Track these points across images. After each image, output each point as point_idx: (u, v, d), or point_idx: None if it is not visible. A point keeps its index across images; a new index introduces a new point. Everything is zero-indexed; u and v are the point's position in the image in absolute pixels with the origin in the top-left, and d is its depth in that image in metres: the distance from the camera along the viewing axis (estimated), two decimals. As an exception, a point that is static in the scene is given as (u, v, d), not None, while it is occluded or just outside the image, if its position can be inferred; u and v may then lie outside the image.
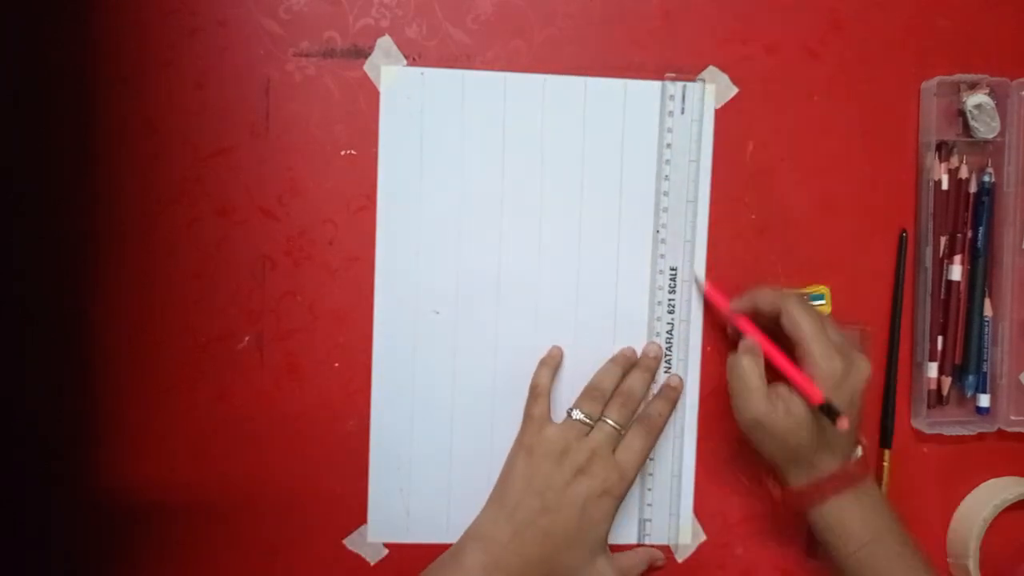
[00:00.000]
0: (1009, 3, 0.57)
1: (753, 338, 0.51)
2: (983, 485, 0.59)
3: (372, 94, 0.54)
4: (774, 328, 0.51)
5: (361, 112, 0.54)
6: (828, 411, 0.47)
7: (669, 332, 0.56)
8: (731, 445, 0.57)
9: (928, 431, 0.57)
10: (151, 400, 0.53)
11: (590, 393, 0.53)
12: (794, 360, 0.50)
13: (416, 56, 0.54)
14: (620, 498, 0.51)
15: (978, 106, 0.56)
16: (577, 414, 0.52)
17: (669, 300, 0.56)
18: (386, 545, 0.55)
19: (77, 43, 0.52)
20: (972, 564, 0.56)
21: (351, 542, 0.55)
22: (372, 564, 0.55)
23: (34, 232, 0.52)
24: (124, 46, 0.52)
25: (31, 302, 0.52)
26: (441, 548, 0.55)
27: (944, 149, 0.57)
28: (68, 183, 0.52)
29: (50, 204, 0.52)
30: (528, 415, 0.53)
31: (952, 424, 0.57)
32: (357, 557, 0.55)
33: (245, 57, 0.53)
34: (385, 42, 0.54)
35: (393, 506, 0.55)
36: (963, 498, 0.59)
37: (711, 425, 0.57)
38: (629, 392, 0.53)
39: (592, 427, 0.52)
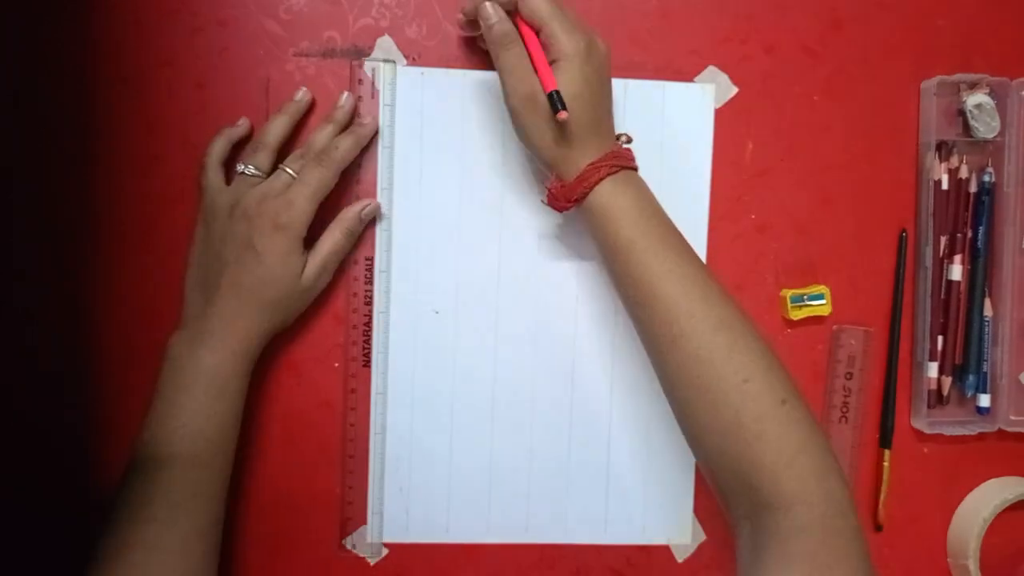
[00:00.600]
0: (1009, 3, 0.57)
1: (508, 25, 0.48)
2: (983, 485, 0.59)
3: (372, 94, 0.53)
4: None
5: (361, 112, 0.53)
6: (553, 101, 0.45)
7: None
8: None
9: (928, 431, 0.57)
10: (151, 398, 0.53)
11: (254, 145, 0.51)
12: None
13: (416, 56, 0.54)
14: (298, 227, 0.49)
15: (978, 106, 0.56)
16: (241, 167, 0.50)
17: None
18: (386, 545, 0.55)
19: (77, 43, 0.52)
20: (972, 564, 0.56)
21: (351, 542, 0.55)
22: (372, 564, 0.55)
23: (34, 232, 0.52)
24: (124, 46, 0.52)
25: (31, 302, 0.52)
26: (441, 548, 0.55)
27: (944, 149, 0.56)
28: (68, 183, 0.52)
29: (50, 204, 0.52)
30: (200, 188, 0.51)
31: (952, 424, 0.57)
32: (357, 557, 0.55)
33: (245, 57, 0.53)
34: (385, 42, 0.54)
35: (393, 506, 0.55)
36: (963, 498, 0.59)
37: (711, 425, 0.57)
38: (309, 144, 0.51)
39: (264, 178, 0.50)
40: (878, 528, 0.58)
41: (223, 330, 0.48)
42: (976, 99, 0.56)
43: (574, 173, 0.48)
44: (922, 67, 0.57)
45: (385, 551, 0.55)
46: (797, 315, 0.56)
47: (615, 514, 0.56)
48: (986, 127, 0.56)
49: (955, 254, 0.57)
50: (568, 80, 0.46)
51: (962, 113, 0.56)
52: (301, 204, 0.49)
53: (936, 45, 0.57)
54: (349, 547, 0.55)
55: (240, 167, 0.50)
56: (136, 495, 0.46)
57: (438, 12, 0.54)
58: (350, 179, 0.53)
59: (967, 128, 0.56)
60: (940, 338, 0.57)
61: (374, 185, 0.54)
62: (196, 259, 0.51)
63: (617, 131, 0.51)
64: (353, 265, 0.54)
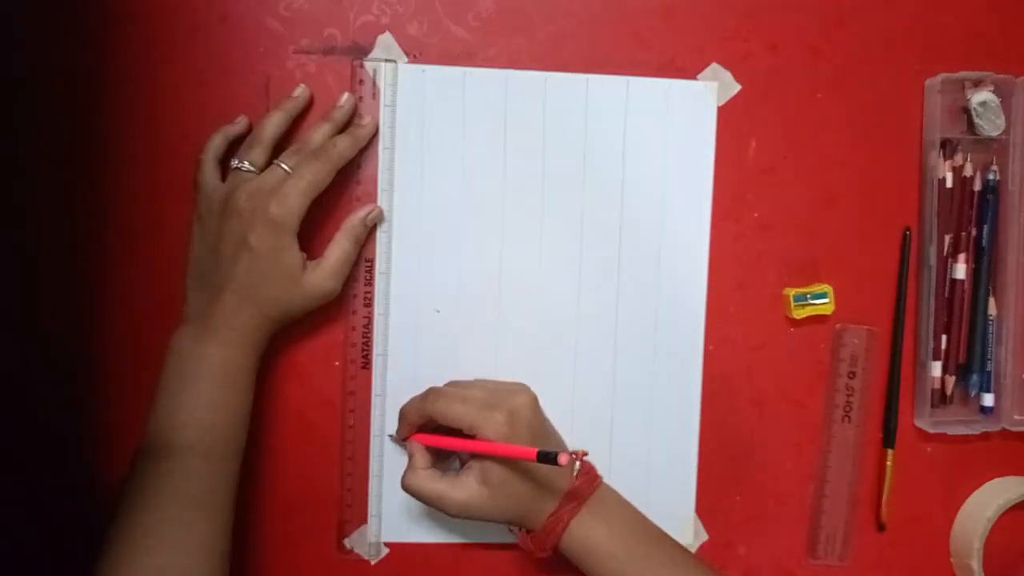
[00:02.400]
0: (1014, 0, 0.57)
1: (422, 444, 0.51)
2: (987, 485, 0.58)
3: (373, 92, 0.53)
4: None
5: (361, 110, 0.53)
6: (545, 458, 0.45)
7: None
8: (733, 445, 0.57)
9: (932, 430, 0.57)
10: (151, 398, 0.53)
11: (250, 141, 0.50)
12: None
13: (417, 53, 0.54)
14: (293, 223, 0.48)
15: (983, 103, 0.55)
16: (236, 162, 0.49)
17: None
18: (387, 544, 0.55)
19: (78, 42, 0.52)
20: (976, 564, 0.56)
21: (351, 541, 0.55)
22: (373, 564, 0.55)
23: (34, 231, 0.52)
24: (124, 44, 0.52)
25: (31, 300, 0.52)
26: (441, 547, 0.55)
27: (948, 147, 0.56)
28: (68, 182, 0.52)
29: (50, 203, 0.52)
30: (195, 184, 0.50)
31: (956, 423, 0.57)
32: (357, 557, 0.55)
33: (245, 55, 0.53)
34: (386, 39, 0.53)
35: (393, 505, 0.55)
36: (967, 498, 0.58)
37: (713, 425, 0.56)
38: (304, 140, 0.50)
39: (258, 174, 0.49)
40: (881, 528, 0.58)
41: (227, 325, 0.48)
42: (981, 97, 0.55)
43: (539, 523, 0.49)
44: (926, 64, 0.56)
45: (385, 551, 0.55)
46: (800, 314, 0.56)
47: (617, 514, 0.56)
48: (991, 125, 0.55)
49: (959, 253, 0.56)
50: (502, 460, 0.47)
51: (967, 111, 0.56)
52: (294, 198, 0.48)
53: (940, 42, 0.57)
54: (349, 547, 0.55)
55: (235, 162, 0.49)
56: (150, 489, 0.45)
57: (439, 9, 0.53)
58: (351, 178, 0.53)
59: (972, 126, 0.56)
60: (944, 337, 0.57)
61: (375, 184, 0.54)
62: (194, 256, 0.50)
63: (560, 434, 0.52)
64: (353, 265, 0.54)
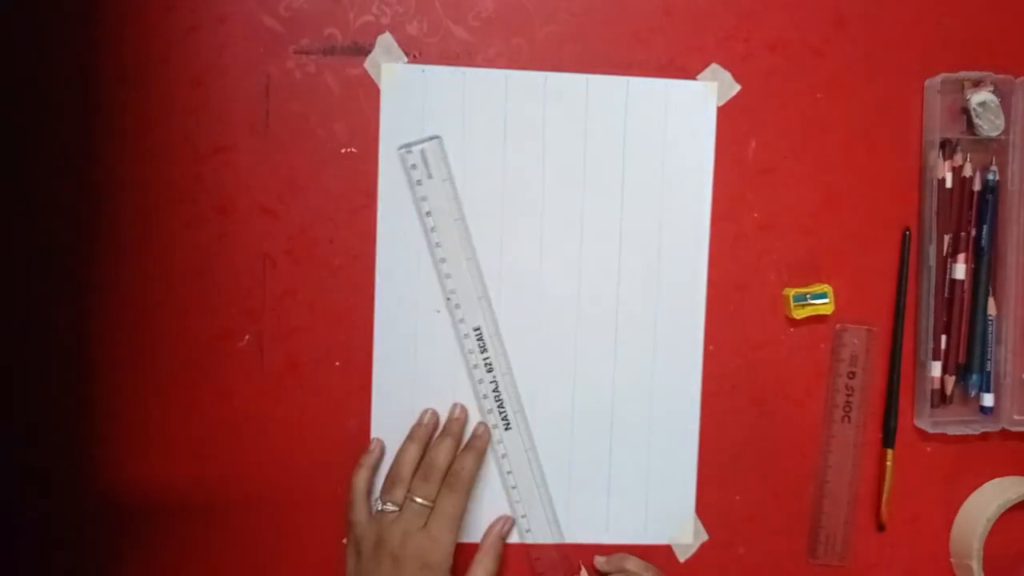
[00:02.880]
0: (1014, 0, 0.57)
1: None
2: (987, 485, 0.58)
3: (373, 92, 0.53)
4: None
5: (362, 110, 0.53)
6: None
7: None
8: (733, 445, 0.57)
9: (931, 430, 0.57)
10: (151, 399, 0.53)
11: (390, 480, 0.52)
12: None
13: (417, 53, 0.54)
14: (444, 562, 0.50)
15: (982, 104, 0.55)
16: (381, 504, 0.51)
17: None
18: (387, 544, 0.55)
19: (77, 42, 0.52)
20: (976, 564, 0.56)
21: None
22: (373, 563, 0.55)
23: (34, 231, 0.52)
24: (123, 44, 0.52)
25: (31, 301, 0.52)
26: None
27: (948, 147, 0.56)
28: (68, 182, 0.52)
29: (50, 203, 0.52)
30: (348, 522, 0.52)
31: (956, 423, 0.57)
32: (358, 556, 0.55)
33: (245, 55, 0.53)
34: (386, 39, 0.53)
35: (394, 505, 0.55)
36: (966, 498, 0.58)
37: (713, 425, 0.56)
38: (431, 465, 0.52)
39: (400, 510, 0.51)
40: (881, 528, 0.58)
41: None
42: (980, 97, 0.55)
43: None
44: (926, 65, 0.56)
45: (386, 551, 0.55)
46: (800, 314, 0.56)
47: (617, 514, 0.56)
48: (990, 125, 0.55)
49: (959, 253, 0.56)
50: None
51: (966, 111, 0.56)
52: (445, 538, 0.50)
53: (940, 42, 0.57)
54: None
55: (379, 505, 0.51)
56: None
57: (439, 9, 0.53)
58: (351, 177, 0.53)
59: (971, 126, 0.56)
60: (943, 337, 0.57)
61: (375, 184, 0.54)
62: None
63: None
64: (354, 262, 0.54)
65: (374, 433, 0.54)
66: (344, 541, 0.53)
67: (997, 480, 0.58)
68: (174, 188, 0.52)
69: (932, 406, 0.57)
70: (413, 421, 0.54)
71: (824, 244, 0.57)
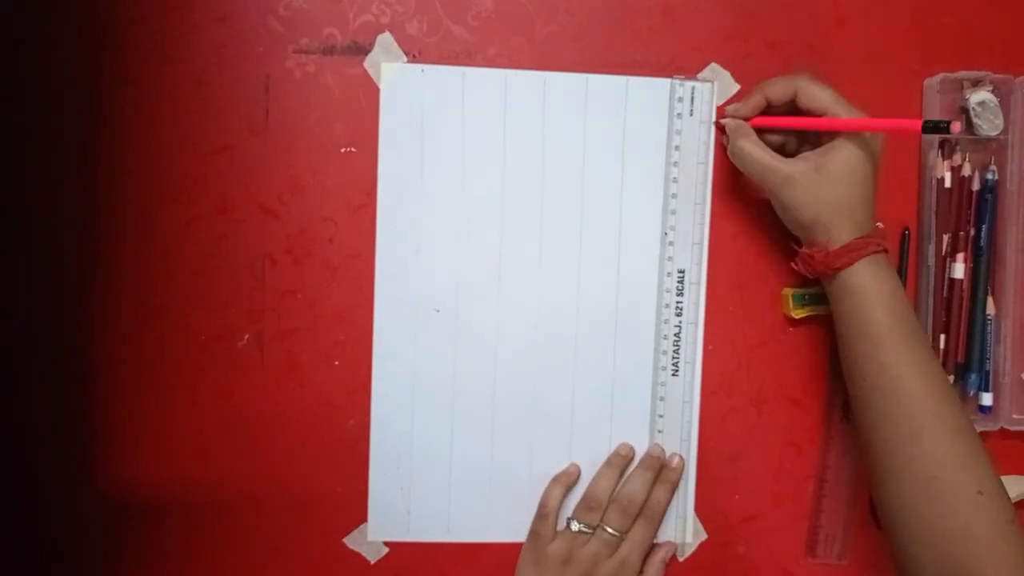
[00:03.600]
0: (1013, 0, 0.57)
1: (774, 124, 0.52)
2: (985, 484, 0.58)
3: (372, 91, 0.53)
4: (789, 112, 0.52)
5: (361, 109, 0.53)
6: (935, 126, 0.45)
7: (676, 335, 0.56)
8: (733, 444, 0.57)
9: (930, 430, 0.57)
10: (151, 399, 0.53)
11: (587, 503, 0.54)
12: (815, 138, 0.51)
13: (417, 53, 0.54)
14: None
15: (981, 103, 0.55)
16: (576, 525, 0.54)
17: (677, 303, 0.56)
18: (386, 544, 0.55)
19: (77, 42, 0.52)
20: (974, 563, 0.56)
21: (351, 541, 0.55)
22: (372, 563, 0.55)
23: (34, 231, 0.52)
24: (124, 44, 0.52)
25: (31, 301, 0.52)
26: (441, 547, 0.55)
27: (947, 147, 0.56)
28: (68, 182, 0.52)
29: (50, 203, 0.52)
30: (534, 531, 0.54)
31: (954, 423, 0.57)
32: (357, 556, 0.55)
33: (245, 54, 0.53)
34: (385, 39, 0.53)
35: (393, 505, 0.55)
36: (965, 497, 0.58)
37: (713, 424, 0.57)
38: (630, 499, 0.54)
39: (592, 533, 0.53)
40: (880, 528, 0.57)
41: None
42: (979, 96, 0.55)
43: (839, 243, 0.49)
44: (925, 64, 0.57)
45: (385, 550, 0.55)
46: (799, 314, 0.56)
47: (616, 513, 0.56)
48: (989, 125, 0.55)
49: (958, 252, 0.56)
50: (850, 156, 0.48)
51: (965, 110, 0.56)
52: (633, 563, 0.53)
53: (939, 42, 0.57)
54: (350, 546, 0.55)
55: (575, 526, 0.54)
56: None
57: (439, 9, 0.53)
58: (351, 177, 0.53)
59: (970, 126, 0.56)
60: (942, 336, 0.57)
61: (375, 183, 0.54)
62: None
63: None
64: (354, 262, 0.54)
65: (374, 433, 0.54)
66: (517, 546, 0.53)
67: (996, 479, 0.58)
68: (174, 188, 0.52)
69: (931, 405, 0.57)
70: (413, 421, 0.55)
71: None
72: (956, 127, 0.45)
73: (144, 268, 0.53)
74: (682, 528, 0.57)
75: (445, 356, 0.55)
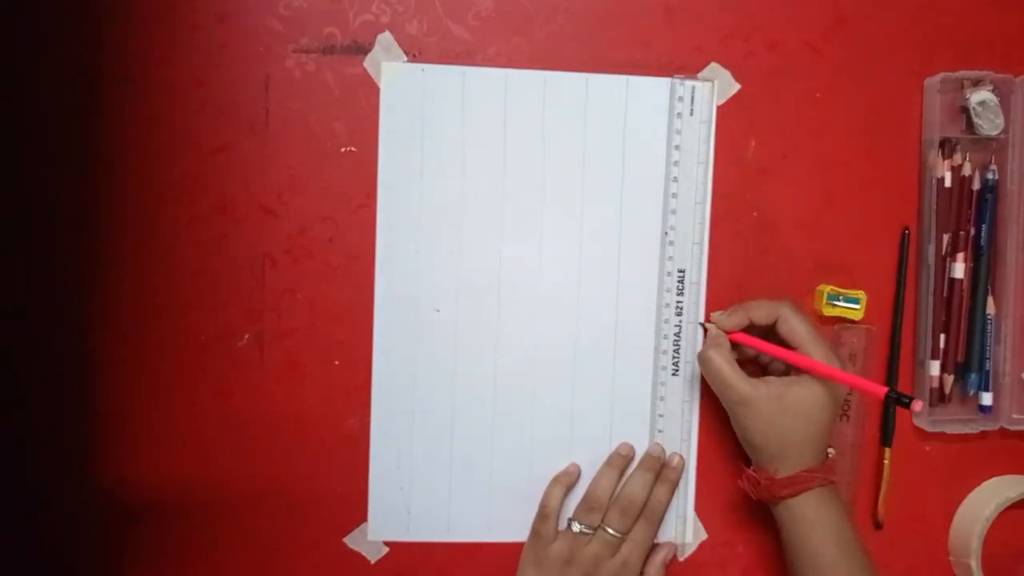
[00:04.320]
0: (1014, 0, 0.57)
1: (754, 347, 0.53)
2: (985, 483, 0.58)
3: (372, 91, 0.53)
4: (766, 335, 0.52)
5: (361, 109, 0.53)
6: (898, 399, 0.47)
7: (677, 335, 0.56)
8: (733, 443, 0.57)
9: (930, 429, 0.57)
10: (151, 399, 0.53)
11: (588, 504, 0.54)
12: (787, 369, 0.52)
13: (416, 52, 0.54)
14: None
15: (982, 103, 0.55)
16: (577, 526, 0.53)
17: (677, 302, 0.56)
18: (386, 543, 0.55)
19: (77, 42, 0.52)
20: (975, 563, 0.56)
21: (351, 540, 0.55)
22: (372, 562, 0.55)
23: (34, 231, 0.52)
24: (124, 44, 0.52)
25: (31, 300, 0.52)
26: (441, 547, 0.55)
27: (947, 146, 0.56)
28: (68, 181, 0.52)
29: (50, 202, 0.52)
30: (535, 531, 0.54)
31: (954, 422, 0.57)
32: (357, 555, 0.55)
33: (245, 54, 0.53)
34: (385, 38, 0.53)
35: (393, 504, 0.55)
36: (965, 497, 0.58)
37: (713, 424, 0.56)
38: (630, 500, 0.54)
39: (593, 534, 0.53)
40: (879, 527, 0.58)
41: None
42: (980, 96, 0.55)
43: (786, 473, 0.50)
44: (926, 64, 0.57)
45: (385, 549, 0.55)
46: (829, 312, 0.56)
47: (616, 512, 0.56)
48: (990, 124, 0.55)
49: (958, 252, 0.56)
50: (810, 396, 0.50)
51: (966, 110, 0.56)
52: (634, 564, 0.53)
53: (940, 42, 0.57)
54: (350, 546, 0.55)
55: (576, 527, 0.53)
56: None
57: (439, 8, 0.53)
58: (351, 176, 0.53)
59: (971, 125, 0.56)
60: (942, 336, 0.57)
61: (375, 183, 0.54)
62: None
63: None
64: (354, 262, 0.54)
65: (374, 433, 0.54)
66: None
67: (996, 479, 0.58)
68: (174, 187, 0.52)
69: (931, 405, 0.57)
70: (413, 420, 0.55)
71: (823, 243, 0.57)
72: (917, 406, 0.46)
73: (144, 268, 0.53)
74: (682, 528, 0.57)
75: (445, 356, 0.55)
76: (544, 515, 0.54)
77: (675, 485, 0.56)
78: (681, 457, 0.56)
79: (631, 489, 0.54)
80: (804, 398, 0.50)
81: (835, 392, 0.50)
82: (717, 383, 0.51)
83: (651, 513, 0.54)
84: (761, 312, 0.52)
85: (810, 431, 0.50)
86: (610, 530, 0.53)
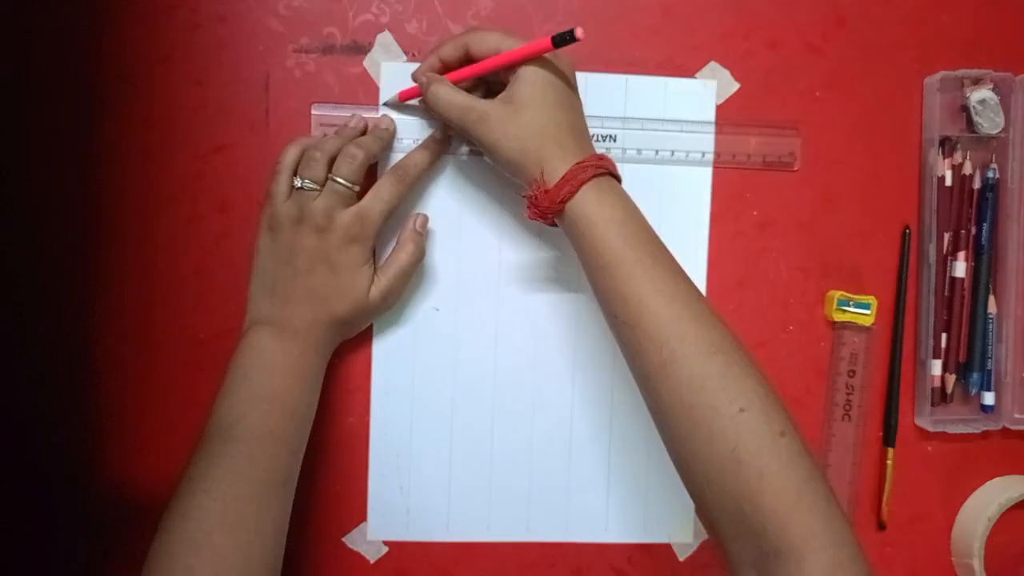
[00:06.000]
0: (1013, -1, 0.57)
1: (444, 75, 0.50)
2: (988, 484, 0.58)
3: (372, 90, 0.53)
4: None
5: (361, 108, 0.53)
6: (562, 38, 0.44)
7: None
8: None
9: (932, 429, 0.57)
10: (151, 397, 0.53)
11: (309, 156, 0.49)
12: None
13: (416, 52, 0.54)
14: (370, 241, 0.50)
15: (982, 101, 0.55)
16: (299, 181, 0.49)
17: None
18: (386, 543, 0.55)
19: (77, 42, 0.52)
20: (977, 563, 0.56)
21: (351, 540, 0.55)
22: (372, 562, 0.55)
23: (34, 230, 0.52)
24: (124, 44, 0.52)
25: (31, 300, 0.52)
26: (441, 546, 0.55)
27: (948, 145, 0.56)
28: (68, 181, 0.52)
29: (50, 202, 0.52)
30: (268, 193, 0.50)
31: (956, 422, 0.57)
32: (357, 555, 0.55)
33: (245, 53, 0.53)
34: (385, 38, 0.53)
35: (393, 504, 0.55)
36: (968, 497, 0.58)
37: (713, 423, 0.56)
38: (357, 145, 0.50)
39: (321, 189, 0.49)
40: (881, 527, 0.57)
41: (306, 331, 0.49)
42: (980, 95, 0.55)
43: (556, 176, 0.45)
44: (925, 63, 0.56)
45: (385, 549, 0.55)
46: (839, 317, 0.56)
47: (616, 512, 0.56)
48: (990, 123, 0.55)
49: (959, 251, 0.56)
50: (534, 81, 0.46)
51: (966, 109, 0.56)
52: (375, 218, 0.50)
53: (939, 40, 0.57)
54: (349, 545, 0.55)
55: (297, 182, 0.49)
56: (231, 471, 0.44)
57: (438, 8, 0.54)
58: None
59: (971, 124, 0.56)
60: (944, 336, 0.57)
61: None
62: (262, 264, 0.50)
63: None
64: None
65: (373, 433, 0.54)
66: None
67: (998, 479, 0.58)
68: (174, 186, 0.53)
69: (932, 405, 0.57)
70: (413, 420, 0.55)
71: (823, 242, 0.57)
72: (579, 31, 0.43)
73: (144, 267, 0.53)
74: (682, 528, 0.57)
75: (445, 356, 0.55)
76: (276, 172, 0.50)
77: (435, 154, 0.52)
78: (446, 133, 0.52)
79: (359, 141, 0.50)
80: (530, 86, 0.46)
81: (559, 69, 0.47)
82: (455, 111, 0.47)
83: (401, 171, 0.51)
84: (448, 49, 0.49)
85: (555, 117, 0.46)
86: (339, 180, 0.48)
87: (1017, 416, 0.56)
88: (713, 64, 0.55)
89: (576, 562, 0.56)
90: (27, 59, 0.51)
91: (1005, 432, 0.57)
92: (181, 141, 0.53)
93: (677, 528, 0.57)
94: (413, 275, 0.53)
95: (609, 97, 0.55)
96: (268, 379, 0.47)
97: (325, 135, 0.52)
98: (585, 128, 0.49)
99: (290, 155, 0.50)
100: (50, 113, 0.52)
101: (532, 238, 0.55)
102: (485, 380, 0.55)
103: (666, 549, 0.57)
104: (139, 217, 0.53)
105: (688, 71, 0.55)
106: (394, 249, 0.52)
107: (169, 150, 0.53)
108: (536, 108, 0.46)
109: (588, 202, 0.45)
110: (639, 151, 0.55)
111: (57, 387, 0.53)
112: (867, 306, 0.56)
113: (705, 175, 0.56)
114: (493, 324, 0.55)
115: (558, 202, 0.45)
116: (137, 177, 0.53)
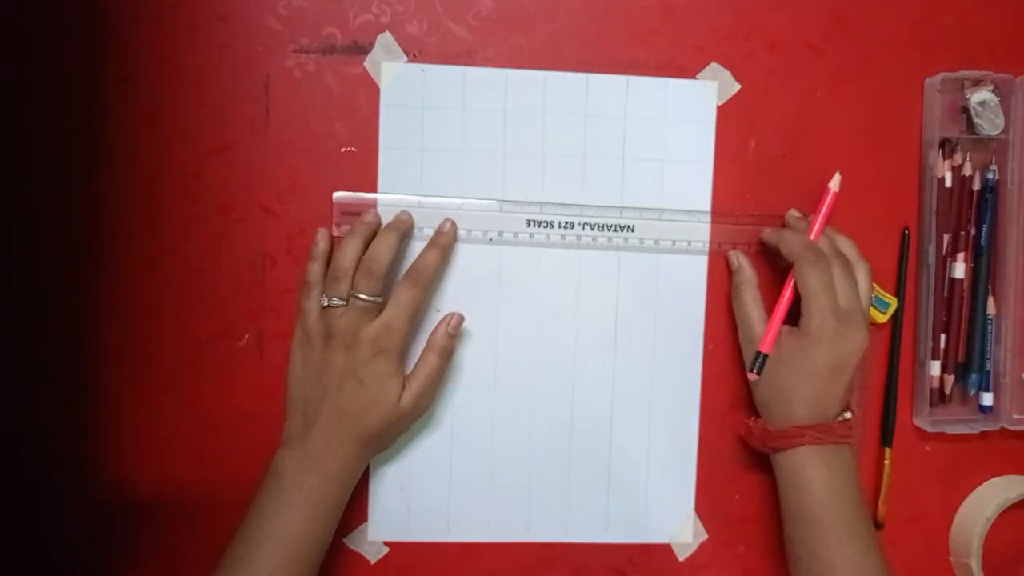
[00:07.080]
0: (1013, 0, 0.57)
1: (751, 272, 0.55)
2: (986, 484, 0.58)
3: (372, 91, 0.53)
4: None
5: (361, 109, 0.53)
6: (753, 360, 0.52)
7: (671, 331, 0.56)
8: (733, 443, 0.57)
9: (931, 429, 0.57)
10: (151, 398, 0.53)
11: (333, 275, 0.50)
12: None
13: (417, 52, 0.54)
14: (398, 350, 0.50)
15: (982, 103, 0.55)
16: (326, 300, 0.50)
17: (674, 300, 0.56)
18: (386, 543, 0.55)
19: (77, 41, 0.52)
20: (975, 563, 0.56)
21: (351, 540, 0.55)
22: (372, 562, 0.55)
23: (34, 230, 0.52)
24: (124, 43, 0.52)
25: (31, 300, 0.52)
26: (441, 546, 0.55)
27: (948, 146, 0.56)
28: (68, 181, 0.52)
29: (50, 202, 0.52)
30: (300, 310, 0.51)
31: (955, 423, 0.57)
32: (357, 555, 0.55)
33: (245, 54, 0.53)
34: (385, 38, 0.53)
35: (393, 504, 0.55)
36: (966, 497, 0.58)
37: (713, 424, 0.56)
38: (373, 259, 0.50)
39: (346, 304, 0.50)
40: (879, 527, 0.58)
41: (328, 454, 0.49)
42: (980, 96, 0.55)
43: (780, 425, 0.51)
44: (926, 64, 0.57)
45: (385, 549, 0.55)
46: (880, 319, 0.56)
47: (616, 512, 0.56)
48: (990, 124, 0.55)
49: (958, 252, 0.56)
50: (804, 356, 0.50)
51: (966, 110, 0.56)
52: (399, 327, 0.50)
53: (940, 42, 0.57)
54: (350, 546, 0.55)
55: (324, 301, 0.50)
56: None
57: (439, 8, 0.53)
58: (351, 176, 0.53)
59: (971, 125, 0.56)
60: (943, 336, 0.57)
61: (375, 183, 0.54)
62: (296, 379, 0.51)
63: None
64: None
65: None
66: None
67: (996, 479, 0.58)
68: (174, 187, 0.52)
69: (931, 405, 0.57)
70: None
71: (824, 243, 0.57)
72: (752, 376, 0.51)
73: (144, 267, 0.53)
74: (682, 528, 0.57)
75: (445, 356, 0.55)
76: (306, 291, 0.51)
77: (445, 250, 0.53)
78: (453, 223, 0.54)
79: (373, 249, 0.51)
80: (797, 351, 0.50)
81: (841, 353, 0.50)
82: (740, 319, 0.54)
83: (415, 275, 0.51)
84: (786, 246, 0.53)
85: (804, 387, 0.50)
86: (361, 296, 0.49)
87: (1015, 417, 0.57)
88: (714, 65, 0.55)
89: (576, 562, 0.56)
90: (27, 59, 0.51)
91: (1003, 433, 0.57)
92: (181, 141, 0.52)
93: (677, 528, 0.57)
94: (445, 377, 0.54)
95: (610, 98, 0.54)
96: (281, 516, 0.48)
97: (346, 229, 0.53)
98: (834, 397, 0.51)
99: (315, 271, 0.51)
100: (50, 113, 0.52)
101: (532, 238, 0.55)
102: (485, 380, 0.55)
103: (666, 549, 0.57)
104: (139, 217, 0.53)
105: (689, 72, 0.55)
106: (424, 351, 0.53)
107: (169, 150, 0.52)
108: (796, 374, 0.50)
109: (798, 461, 0.50)
110: (640, 152, 0.55)
111: (57, 387, 0.53)
112: (887, 304, 0.56)
113: (706, 176, 0.55)
114: (493, 324, 0.55)
115: (768, 447, 0.51)
116: (137, 177, 0.52)
